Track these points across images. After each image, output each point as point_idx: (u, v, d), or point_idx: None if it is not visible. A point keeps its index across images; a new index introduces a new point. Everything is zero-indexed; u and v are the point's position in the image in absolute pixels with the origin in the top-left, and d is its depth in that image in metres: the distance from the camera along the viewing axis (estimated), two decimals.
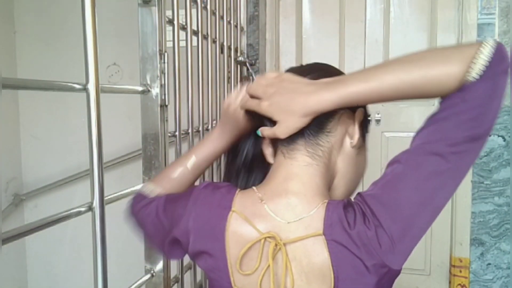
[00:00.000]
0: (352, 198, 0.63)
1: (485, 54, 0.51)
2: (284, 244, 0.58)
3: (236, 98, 0.70)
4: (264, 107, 0.61)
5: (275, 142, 0.66)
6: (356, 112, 0.66)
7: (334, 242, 0.56)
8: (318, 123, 0.62)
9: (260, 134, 0.65)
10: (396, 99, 0.58)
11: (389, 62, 0.57)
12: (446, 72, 0.52)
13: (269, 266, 0.59)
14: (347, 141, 0.65)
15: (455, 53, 0.53)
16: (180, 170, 0.76)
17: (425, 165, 0.55)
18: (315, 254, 0.58)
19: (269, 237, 0.59)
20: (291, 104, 0.59)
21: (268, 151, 0.69)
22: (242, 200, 0.64)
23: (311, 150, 0.63)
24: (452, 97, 0.53)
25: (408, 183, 0.55)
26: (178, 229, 0.66)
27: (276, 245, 0.59)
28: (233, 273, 0.62)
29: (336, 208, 0.58)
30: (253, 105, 0.64)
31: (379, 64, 0.58)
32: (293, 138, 0.63)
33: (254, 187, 0.65)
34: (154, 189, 0.76)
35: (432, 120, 0.56)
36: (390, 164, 0.59)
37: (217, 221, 0.63)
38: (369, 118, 0.72)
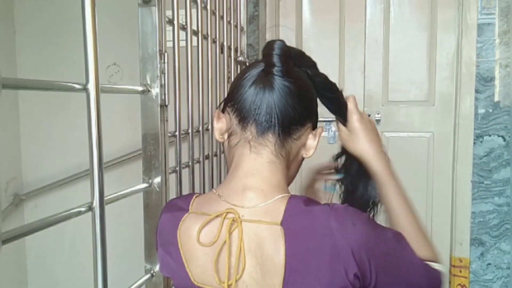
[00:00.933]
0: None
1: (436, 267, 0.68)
2: (241, 222, 0.61)
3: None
4: (358, 123, 0.77)
5: (243, 132, 0.67)
6: (318, 129, 0.71)
7: (291, 233, 0.58)
8: (291, 129, 0.66)
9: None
10: (390, 211, 0.74)
11: (410, 208, 0.74)
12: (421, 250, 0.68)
13: (225, 242, 0.61)
14: (302, 151, 0.71)
15: (429, 252, 0.70)
16: None
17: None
18: (270, 246, 0.59)
19: (228, 213, 0.62)
20: (368, 142, 0.77)
21: (219, 126, 0.71)
22: (199, 201, 0.68)
23: (278, 149, 0.66)
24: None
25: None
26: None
27: (234, 220, 0.61)
28: (190, 268, 0.64)
29: (298, 202, 0.61)
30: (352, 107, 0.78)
31: (404, 199, 0.74)
32: (264, 135, 0.65)
33: (213, 189, 0.69)
34: None
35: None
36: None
37: (173, 223, 0.67)
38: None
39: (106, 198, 0.72)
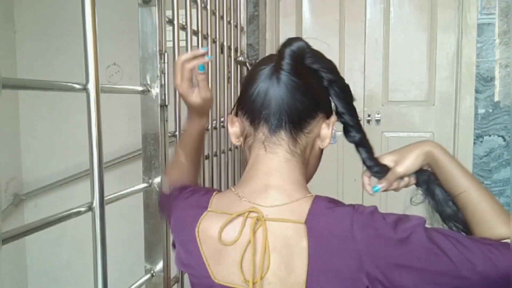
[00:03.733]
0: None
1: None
2: (265, 221, 0.60)
3: (181, 81, 0.78)
4: None
5: (256, 133, 0.67)
6: (332, 118, 0.69)
7: (314, 232, 0.58)
8: (301, 123, 0.65)
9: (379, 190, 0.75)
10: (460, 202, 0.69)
11: (479, 185, 0.69)
12: (498, 227, 0.64)
13: (249, 241, 0.60)
14: (318, 142, 0.69)
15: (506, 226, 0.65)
16: (183, 158, 0.83)
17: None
18: (296, 244, 0.59)
19: (251, 211, 0.61)
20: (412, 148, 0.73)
21: (233, 131, 0.70)
22: (219, 200, 0.67)
23: (292, 147, 0.65)
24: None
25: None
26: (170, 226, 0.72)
27: (257, 219, 0.60)
28: (210, 265, 0.63)
29: (322, 203, 0.61)
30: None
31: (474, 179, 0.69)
32: (276, 133, 0.65)
33: (232, 187, 0.67)
34: (166, 181, 0.81)
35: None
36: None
37: (191, 220, 0.66)
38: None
39: (106, 198, 0.72)
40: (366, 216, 0.58)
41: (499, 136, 1.93)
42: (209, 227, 0.64)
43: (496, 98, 1.93)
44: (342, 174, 2.17)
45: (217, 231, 0.63)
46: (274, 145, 0.65)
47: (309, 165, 0.70)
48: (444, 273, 0.56)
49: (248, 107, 0.67)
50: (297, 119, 0.65)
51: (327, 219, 0.58)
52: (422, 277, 0.56)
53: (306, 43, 0.68)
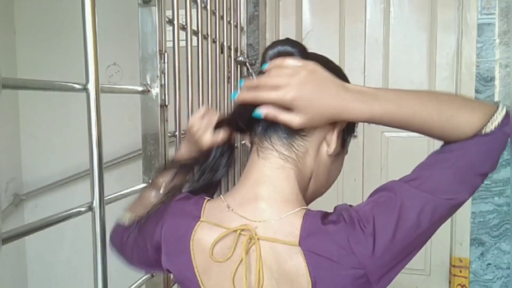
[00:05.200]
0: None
1: (502, 115, 0.57)
2: (258, 239, 0.57)
3: (200, 118, 0.68)
4: (289, 98, 0.56)
5: (253, 138, 0.65)
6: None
7: (311, 253, 0.55)
8: None
9: (260, 116, 0.59)
10: (415, 131, 0.59)
11: (422, 95, 0.59)
12: (468, 121, 0.57)
13: (241, 260, 0.57)
14: (324, 148, 0.63)
15: (479, 107, 0.58)
16: (153, 195, 0.74)
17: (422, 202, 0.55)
18: (287, 262, 0.56)
19: (243, 229, 0.58)
20: (321, 102, 0.56)
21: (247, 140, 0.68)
22: (210, 210, 0.63)
23: (285, 152, 0.61)
24: (462, 143, 0.57)
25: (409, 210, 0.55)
26: (151, 242, 0.66)
27: (250, 238, 0.57)
28: (203, 281, 0.61)
29: (314, 219, 0.57)
30: (271, 96, 0.57)
31: (410, 91, 0.58)
32: (267, 137, 0.62)
33: (221, 196, 0.64)
34: (131, 216, 0.73)
35: (437, 160, 0.59)
36: (383, 190, 0.58)
37: (184, 231, 0.62)
38: (355, 130, 0.71)
39: (106, 198, 0.72)
40: (359, 225, 0.55)
41: None
42: (201, 240, 0.61)
43: (496, 98, 1.93)
44: (342, 174, 2.16)
45: (208, 244, 0.60)
46: (266, 150, 0.62)
47: (314, 175, 0.64)
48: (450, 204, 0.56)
49: (242, 111, 0.64)
50: None
51: (321, 239, 0.55)
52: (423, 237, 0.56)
53: (294, 45, 0.61)
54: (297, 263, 0.55)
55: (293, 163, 0.61)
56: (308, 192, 0.65)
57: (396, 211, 0.54)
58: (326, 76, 0.57)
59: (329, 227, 0.55)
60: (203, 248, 0.60)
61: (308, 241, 0.55)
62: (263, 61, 0.62)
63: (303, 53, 0.61)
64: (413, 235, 0.55)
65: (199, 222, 0.62)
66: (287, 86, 0.56)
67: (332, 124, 0.61)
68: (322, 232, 0.55)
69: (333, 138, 0.62)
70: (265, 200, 0.60)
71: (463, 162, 0.57)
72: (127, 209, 0.76)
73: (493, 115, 0.57)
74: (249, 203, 0.60)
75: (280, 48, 0.61)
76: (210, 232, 0.61)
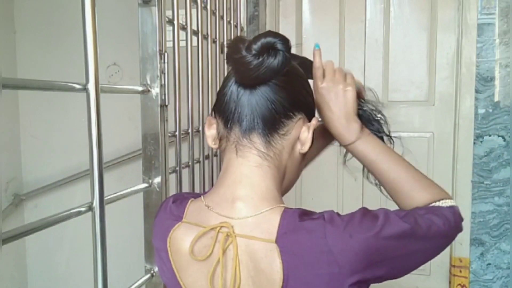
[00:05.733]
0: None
1: (448, 203, 0.67)
2: (235, 237, 0.58)
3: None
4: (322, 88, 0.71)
5: (228, 135, 0.65)
6: (313, 120, 0.67)
7: (287, 251, 0.55)
8: (275, 124, 0.62)
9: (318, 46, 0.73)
10: (381, 183, 0.73)
11: (399, 161, 0.72)
12: (423, 196, 0.68)
13: (219, 259, 0.59)
14: (298, 146, 0.66)
15: (434, 192, 0.69)
16: None
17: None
18: (262, 259, 0.57)
19: (222, 227, 0.59)
20: (334, 109, 0.71)
21: (211, 133, 0.67)
22: (193, 209, 0.65)
23: (264, 150, 0.62)
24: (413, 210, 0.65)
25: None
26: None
27: (228, 235, 0.58)
28: (182, 278, 0.63)
29: (292, 217, 0.58)
30: (318, 75, 0.72)
31: (391, 152, 0.75)
32: (247, 135, 0.62)
33: (202, 196, 0.66)
34: None
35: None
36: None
37: (165, 229, 0.65)
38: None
39: (106, 198, 0.72)
40: (338, 224, 0.56)
41: (499, 136, 1.93)
42: (179, 239, 0.63)
43: (496, 98, 1.93)
44: (342, 174, 2.17)
45: (187, 243, 0.61)
46: (245, 148, 0.63)
47: (287, 171, 0.66)
48: (418, 251, 0.61)
49: (222, 107, 0.64)
50: (270, 119, 0.62)
51: (298, 235, 0.56)
52: (397, 263, 0.59)
53: (276, 36, 0.61)
54: (272, 260, 0.56)
55: (270, 161, 0.63)
56: (281, 189, 0.67)
57: (380, 222, 0.57)
58: (352, 101, 0.71)
59: (306, 223, 0.56)
60: (180, 246, 0.62)
61: (285, 239, 0.56)
62: (238, 53, 0.60)
63: (286, 44, 0.61)
64: (390, 252, 0.58)
65: (180, 223, 0.64)
66: (348, 85, 0.71)
67: (307, 124, 0.65)
68: (299, 229, 0.56)
69: (308, 137, 0.65)
70: (242, 199, 0.61)
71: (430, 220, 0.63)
72: None
73: (441, 200, 0.67)
74: (227, 202, 0.62)
75: (263, 40, 0.60)
76: (187, 231, 0.62)
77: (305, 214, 0.58)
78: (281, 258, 0.55)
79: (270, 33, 0.61)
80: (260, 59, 0.58)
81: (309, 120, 0.66)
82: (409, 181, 0.69)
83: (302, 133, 0.65)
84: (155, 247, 0.69)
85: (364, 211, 0.59)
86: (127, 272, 1.15)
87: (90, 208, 0.69)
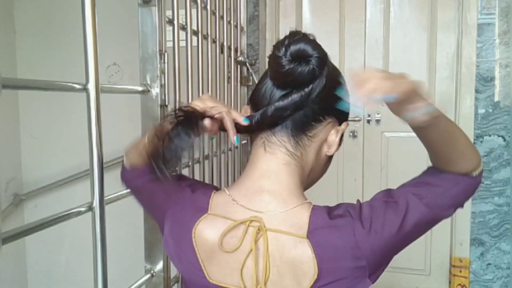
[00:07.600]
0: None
1: (481, 166, 0.66)
2: (266, 231, 0.59)
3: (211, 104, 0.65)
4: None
5: (258, 133, 0.65)
6: (342, 125, 0.67)
7: (319, 246, 0.58)
8: (304, 126, 0.64)
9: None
10: (432, 143, 0.65)
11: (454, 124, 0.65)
12: (469, 161, 0.64)
13: (251, 250, 0.59)
14: (325, 148, 0.66)
15: (477, 154, 0.66)
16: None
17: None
18: (292, 251, 0.58)
19: (252, 221, 0.60)
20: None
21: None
22: (217, 201, 0.65)
23: (292, 149, 0.64)
24: (454, 175, 0.65)
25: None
26: (159, 216, 0.69)
27: (259, 229, 0.59)
28: (206, 267, 0.63)
29: (321, 214, 0.60)
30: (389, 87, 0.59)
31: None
32: (277, 132, 0.64)
33: (225, 188, 0.66)
34: (126, 162, 0.75)
35: (433, 184, 0.64)
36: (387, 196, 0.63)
37: (189, 220, 0.64)
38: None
39: (106, 198, 0.72)
40: (365, 221, 0.58)
41: (499, 136, 1.93)
42: (205, 230, 0.63)
43: (496, 98, 1.93)
44: (342, 174, 2.16)
45: (213, 234, 0.62)
46: (274, 145, 0.64)
47: (312, 171, 0.67)
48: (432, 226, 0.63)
49: (256, 101, 0.65)
50: (299, 121, 0.63)
51: (329, 232, 0.58)
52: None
53: (314, 48, 0.64)
54: (302, 252, 0.58)
55: (297, 160, 0.64)
56: (303, 187, 0.68)
57: (401, 215, 0.59)
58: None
59: (336, 221, 0.59)
60: (207, 237, 0.62)
61: (316, 234, 0.58)
62: (277, 52, 0.61)
63: (321, 61, 0.63)
64: (407, 240, 0.61)
65: (206, 214, 0.64)
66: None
67: (336, 128, 0.66)
68: (330, 226, 0.59)
69: (335, 141, 0.66)
70: (271, 193, 0.62)
71: (454, 192, 0.64)
72: (125, 153, 0.76)
73: (480, 165, 0.66)
74: (254, 195, 0.63)
75: (301, 46, 0.62)
76: (215, 223, 0.62)
77: (333, 211, 0.61)
78: (314, 252, 0.57)
79: (310, 42, 0.63)
80: (292, 66, 0.60)
81: (339, 124, 0.67)
82: (460, 147, 0.64)
83: (330, 136, 0.66)
84: (173, 236, 0.66)
85: (386, 200, 0.61)
86: (127, 272, 1.15)
87: (90, 208, 0.69)
